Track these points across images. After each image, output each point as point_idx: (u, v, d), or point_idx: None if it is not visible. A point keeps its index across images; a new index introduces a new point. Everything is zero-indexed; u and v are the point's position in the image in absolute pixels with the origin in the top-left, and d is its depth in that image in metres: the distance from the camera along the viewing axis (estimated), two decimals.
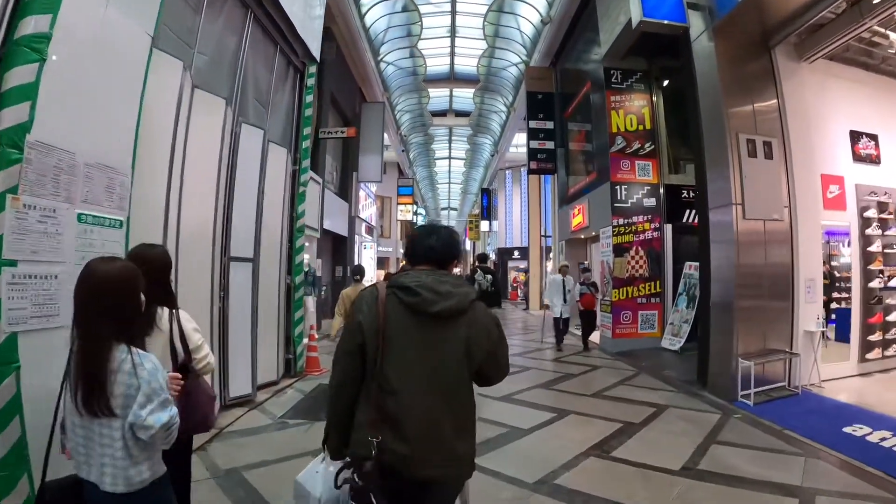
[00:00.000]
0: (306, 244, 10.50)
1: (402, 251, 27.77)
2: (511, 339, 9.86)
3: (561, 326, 8.75)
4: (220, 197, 4.73)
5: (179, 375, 1.78)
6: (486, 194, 29.46)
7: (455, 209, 48.95)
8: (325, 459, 1.59)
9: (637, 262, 8.48)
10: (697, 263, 8.36)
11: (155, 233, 3.67)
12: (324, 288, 13.07)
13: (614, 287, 8.38)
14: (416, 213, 31.08)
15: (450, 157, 30.44)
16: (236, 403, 5.10)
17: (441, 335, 1.47)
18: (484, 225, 29.18)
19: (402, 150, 22.62)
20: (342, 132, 10.58)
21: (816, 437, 4.22)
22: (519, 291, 22.60)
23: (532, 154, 11.91)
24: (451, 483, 1.51)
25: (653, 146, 8.95)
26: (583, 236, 11.05)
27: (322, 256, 12.69)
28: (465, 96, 21.55)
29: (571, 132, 11.77)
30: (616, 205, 8.58)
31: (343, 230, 13.21)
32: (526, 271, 16.75)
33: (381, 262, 24.41)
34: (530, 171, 12.10)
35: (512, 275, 24.86)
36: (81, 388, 1.39)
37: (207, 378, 2.21)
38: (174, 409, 1.45)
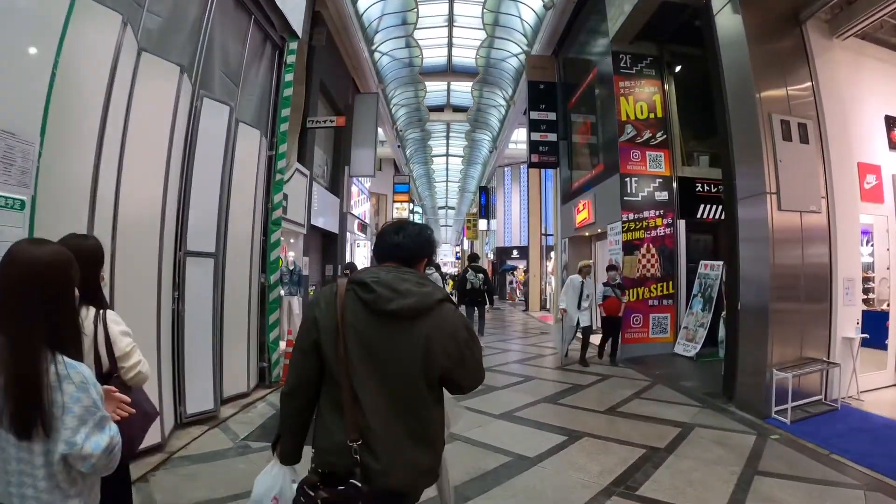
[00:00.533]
0: (291, 240, 9.79)
1: None
2: (509, 344, 9.40)
3: (580, 336, 7.35)
4: (173, 179, 4.02)
5: (115, 389, 1.46)
6: (485, 192, 28.79)
7: (453, 208, 48.28)
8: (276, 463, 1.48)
9: (648, 261, 7.81)
10: (714, 262, 7.71)
11: (77, 218, 2.97)
12: (312, 287, 12.38)
13: (627, 287, 7.71)
14: (412, 212, 30.40)
15: (447, 155, 29.76)
16: (195, 421, 4.41)
17: (399, 336, 1.36)
18: (482, 224, 28.51)
19: (398, 146, 21.92)
20: (331, 121, 9.88)
21: (872, 464, 3.57)
22: (517, 292, 21.92)
23: (533, 146, 11.24)
24: (411, 495, 1.41)
25: (665, 136, 8.29)
26: (587, 234, 10.38)
27: (310, 254, 11.99)
28: (463, 90, 20.87)
29: (575, 124, 11.10)
30: (626, 198, 7.91)
31: (334, 227, 12.50)
32: (525, 270, 16.08)
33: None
34: (531, 165, 11.41)
35: (509, 278, 24.18)
36: (11, 406, 1.12)
37: (151, 390, 1.79)
38: (114, 427, 1.24)
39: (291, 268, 9.08)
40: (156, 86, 3.81)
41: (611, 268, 7.38)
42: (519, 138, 23.19)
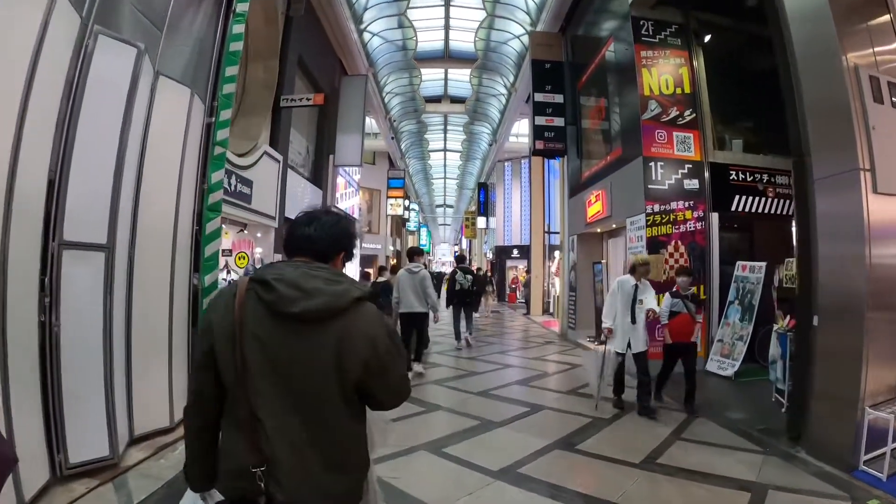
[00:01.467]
0: (259, 234, 8.58)
1: (391, 247, 25.85)
2: (509, 357, 7.96)
3: (621, 367, 5.07)
4: (37, 137, 2.80)
5: None
6: (483, 189, 27.56)
7: (451, 206, 47.07)
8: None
9: (676, 261, 6.58)
10: (754, 264, 6.49)
11: None
12: None
13: None
14: (408, 209, 29.17)
15: (445, 150, 28.52)
16: (84, 472, 3.20)
17: (307, 343, 1.15)
18: (481, 222, 27.27)
19: (392, 138, 20.67)
20: (308, 99, 8.65)
21: None
22: (518, 293, 20.65)
23: (538, 132, 10.00)
24: None
25: (693, 115, 7.06)
26: (599, 230, 9.15)
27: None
28: (460, 79, 19.64)
29: (585, 107, 9.87)
30: (650, 187, 6.69)
31: None
32: (527, 270, 14.85)
33: (368, 261, 22.45)
34: (535, 152, 10.18)
35: (510, 275, 22.92)
36: None
37: None
38: None
39: (258, 267, 7.83)
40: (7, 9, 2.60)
41: (683, 271, 5.26)
42: (520, 131, 21.96)
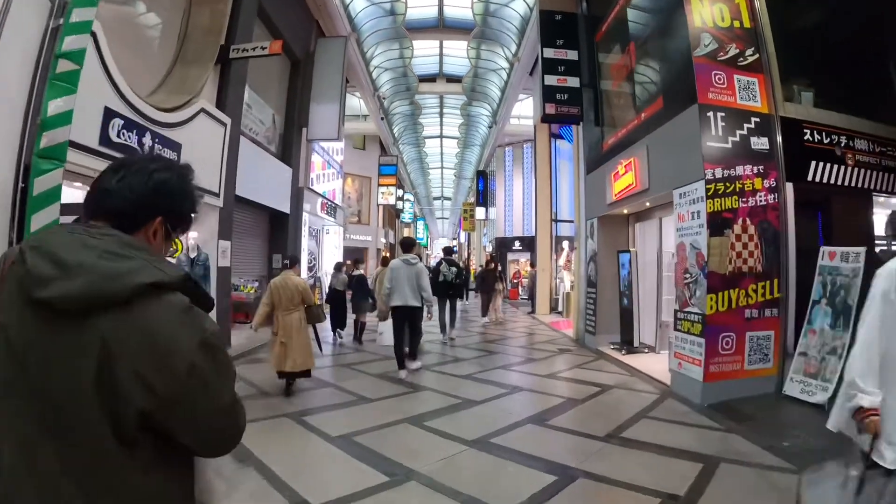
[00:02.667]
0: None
1: (383, 239, 24.13)
2: (514, 375, 5.86)
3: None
4: None
5: None
6: (482, 177, 25.84)
7: (449, 198, 45.33)
8: None
9: (745, 247, 4.87)
10: (849, 250, 4.79)
11: None
12: (254, 284, 9.46)
13: (709, 290, 4.77)
14: (401, 199, 27.43)
15: (441, 136, 26.76)
16: None
17: (62, 345, 0.76)
18: (479, 212, 25.57)
19: (383, 119, 18.90)
20: (263, 48, 6.90)
21: None
22: (520, 289, 18.97)
23: (548, 93, 8.25)
24: None
25: (756, 55, 5.33)
26: (626, 210, 7.43)
27: (247, 239, 9.03)
28: (457, 54, 17.88)
29: (606, 65, 8.13)
30: (710, 144, 4.97)
31: (283, 205, 9.56)
32: (532, 264, 13.13)
33: (359, 255, 20.75)
34: (546, 118, 8.44)
35: (512, 269, 21.21)
36: None
37: None
38: None
39: (193, 256, 6.15)
40: None
41: None
42: (521, 112, 20.20)
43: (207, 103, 6.51)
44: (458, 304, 9.09)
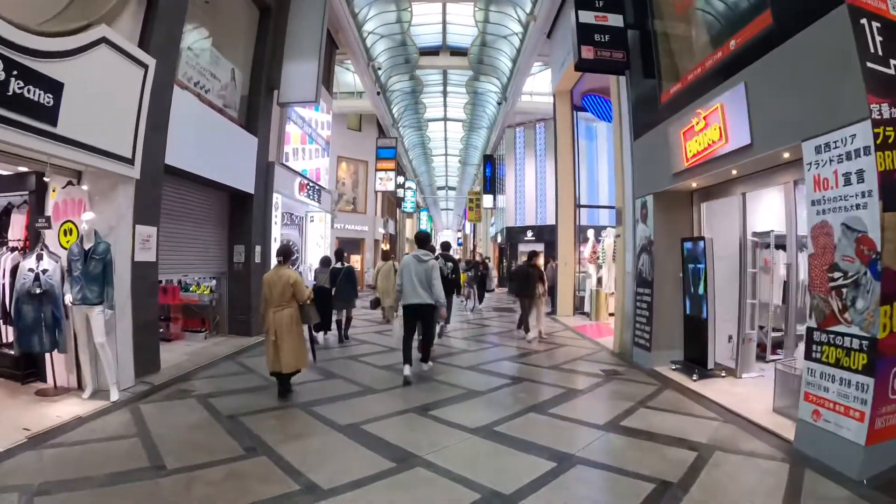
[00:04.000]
0: (85, 187, 4.90)
1: (381, 230, 22.25)
2: (549, 421, 3.83)
3: None
4: None
5: None
6: (490, 162, 23.87)
7: (454, 188, 43.34)
8: None
9: None
10: None
11: None
12: (210, 283, 7.63)
13: (883, 299, 2.87)
14: (402, 186, 25.49)
15: (445, 118, 24.73)
16: None
17: None
18: (487, 200, 23.63)
19: (379, 93, 16.93)
20: None
21: None
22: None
23: (583, 33, 6.24)
24: None
25: None
26: (694, 184, 5.45)
27: (202, 226, 7.17)
28: (462, 21, 15.84)
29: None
30: (870, 65, 3.03)
31: (245, 183, 7.67)
32: (553, 256, 11.21)
33: (353, 247, 18.88)
34: (581, 65, 6.37)
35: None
36: None
37: None
38: None
39: (89, 247, 4.29)
40: None
41: None
42: (535, 88, 18.18)
43: (114, 33, 4.61)
44: (456, 299, 9.29)
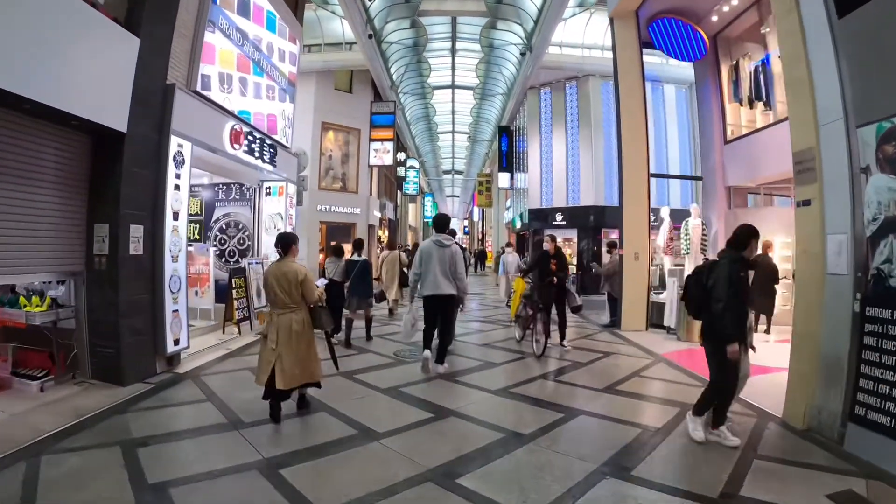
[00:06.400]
0: None
1: (377, 213, 18.93)
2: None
3: None
4: None
5: None
6: (506, 135, 20.49)
7: (460, 172, 39.91)
8: None
9: None
10: None
11: None
12: (56, 290, 4.33)
13: None
14: (403, 164, 22.13)
15: (453, 86, 21.27)
16: None
17: None
18: (502, 179, 20.27)
19: (371, 37, 13.49)
20: None
21: None
22: (571, 283, 13.74)
23: None
24: None
25: None
26: None
27: (34, 190, 3.84)
28: None
29: None
30: None
31: (114, 116, 4.34)
32: (614, 245, 7.88)
33: (341, 233, 15.61)
34: None
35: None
36: None
37: None
38: None
39: None
40: None
41: None
42: (564, 39, 14.79)
43: None
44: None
